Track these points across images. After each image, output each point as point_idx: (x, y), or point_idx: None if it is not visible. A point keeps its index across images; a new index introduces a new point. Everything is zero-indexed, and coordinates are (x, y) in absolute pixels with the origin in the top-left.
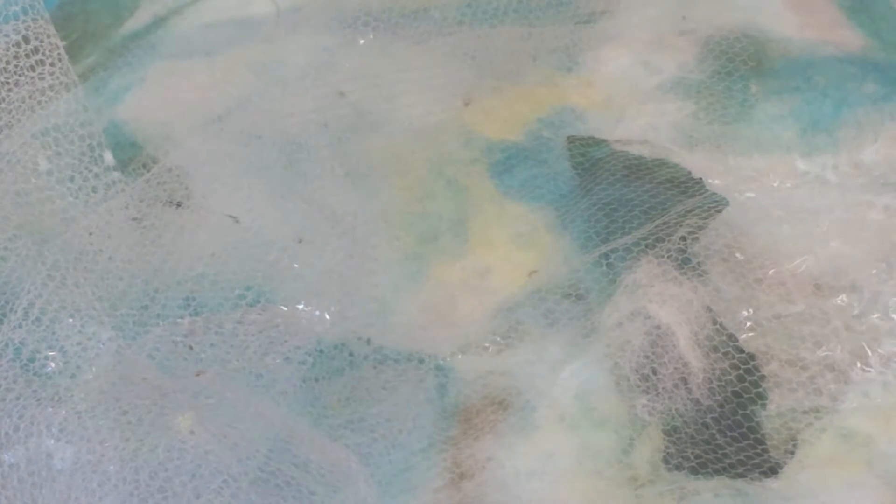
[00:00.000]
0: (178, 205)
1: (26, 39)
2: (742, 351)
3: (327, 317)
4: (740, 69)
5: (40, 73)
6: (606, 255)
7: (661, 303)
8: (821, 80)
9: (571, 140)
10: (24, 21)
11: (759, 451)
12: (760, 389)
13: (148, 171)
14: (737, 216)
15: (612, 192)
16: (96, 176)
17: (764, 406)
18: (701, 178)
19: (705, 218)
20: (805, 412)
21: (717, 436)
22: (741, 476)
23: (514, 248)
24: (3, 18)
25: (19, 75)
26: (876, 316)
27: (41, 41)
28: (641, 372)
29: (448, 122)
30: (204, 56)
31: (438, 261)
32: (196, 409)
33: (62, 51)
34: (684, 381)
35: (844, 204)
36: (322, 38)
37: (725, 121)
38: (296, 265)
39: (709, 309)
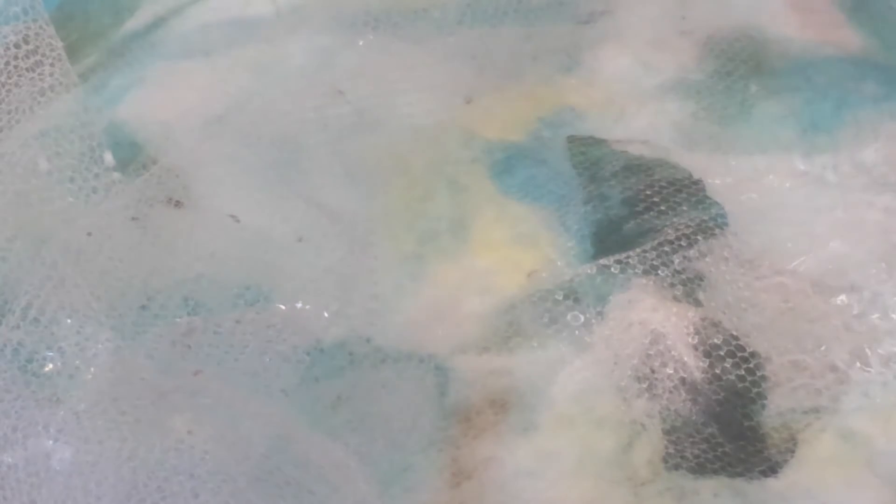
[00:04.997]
0: (178, 204)
1: (26, 40)
2: (742, 351)
3: (326, 315)
4: (740, 69)
5: (40, 74)
6: (605, 256)
7: (661, 303)
8: (821, 80)
9: (571, 140)
10: (24, 22)
11: (758, 450)
12: (760, 389)
13: (148, 171)
14: (737, 216)
15: (612, 192)
16: (96, 176)
17: (764, 406)
18: (701, 179)
19: (708, 238)
20: (805, 412)
21: (717, 436)
22: (741, 476)
23: (514, 248)
24: (4, 19)
25: (19, 76)
26: (876, 316)
27: (41, 42)
28: (641, 372)
29: (448, 121)
30: (204, 56)
31: (438, 261)
32: (194, 408)
33: (62, 51)
34: (684, 381)
35: (844, 204)
36: (322, 38)
37: (725, 121)
38: (295, 264)
39: (709, 309)
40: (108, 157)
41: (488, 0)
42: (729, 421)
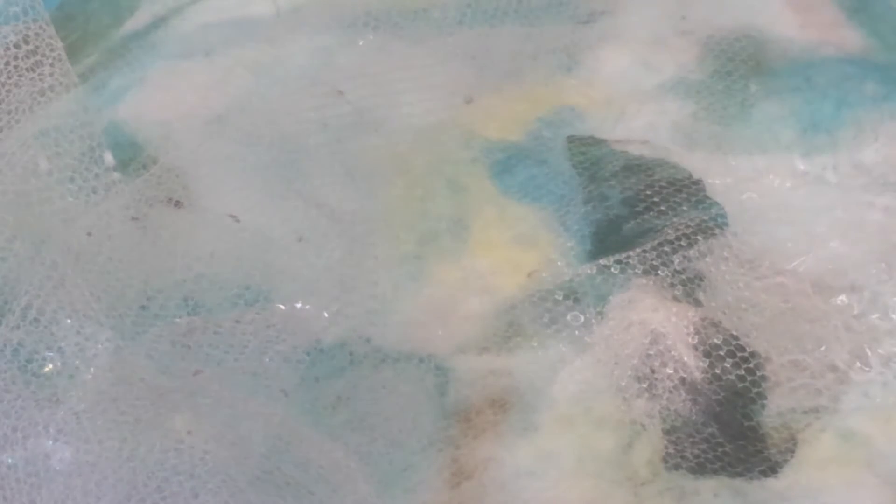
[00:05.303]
0: (178, 204)
1: (26, 40)
2: (742, 351)
3: (326, 315)
4: (740, 69)
5: (40, 74)
6: (605, 256)
7: (661, 303)
8: (821, 80)
9: (571, 140)
10: (24, 22)
11: (758, 450)
12: (760, 389)
13: (148, 171)
14: (737, 216)
15: (612, 192)
16: (96, 176)
17: (764, 406)
18: (701, 179)
19: (708, 238)
20: (805, 412)
21: (717, 436)
22: (741, 476)
23: (514, 248)
24: (4, 19)
25: (19, 76)
26: (876, 316)
27: (41, 42)
28: (641, 372)
29: (448, 121)
30: (204, 56)
31: (438, 261)
32: (194, 408)
33: (62, 51)
34: (684, 381)
35: (844, 204)
36: (322, 38)
37: (725, 121)
38: (295, 264)
39: (709, 309)
40: (108, 157)
41: (488, 0)
42: (729, 421)
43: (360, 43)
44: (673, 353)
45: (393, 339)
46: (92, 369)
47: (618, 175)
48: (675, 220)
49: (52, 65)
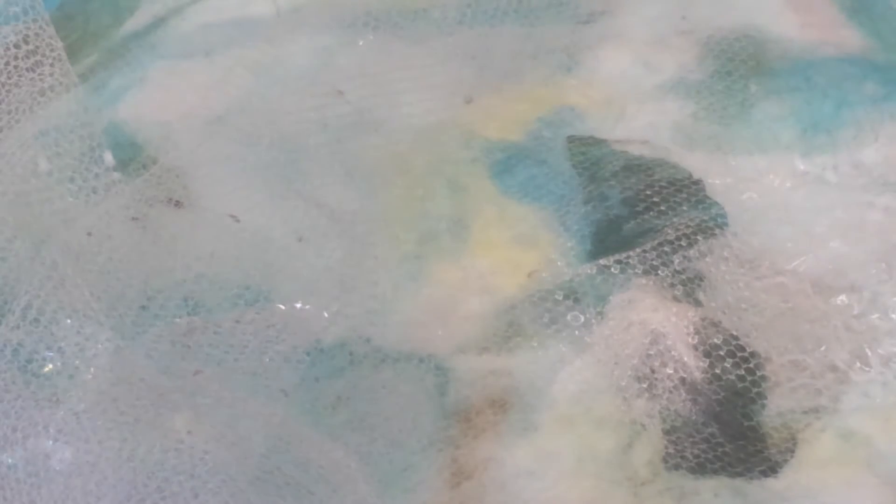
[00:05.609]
0: (178, 204)
1: (26, 40)
2: (742, 351)
3: (326, 315)
4: (740, 69)
5: (40, 74)
6: (605, 256)
7: (661, 303)
8: (821, 80)
9: (571, 140)
10: (24, 22)
11: (758, 450)
12: (760, 389)
13: (148, 171)
14: (737, 216)
15: (612, 193)
16: (96, 176)
17: (764, 406)
18: (700, 179)
19: (708, 238)
20: (805, 412)
21: (717, 436)
22: (741, 476)
23: (514, 248)
24: (4, 19)
25: (19, 76)
26: (876, 316)
27: (41, 42)
28: (641, 372)
29: (448, 121)
30: (204, 56)
31: (438, 261)
32: (194, 408)
33: (62, 51)
34: (684, 381)
35: (844, 204)
36: (322, 38)
37: (725, 121)
38: (295, 264)
39: (709, 309)
40: (108, 157)
41: (488, 0)
42: (729, 421)
43: (360, 43)
44: (673, 353)
45: (393, 339)
46: (92, 369)
47: (618, 175)
48: (675, 220)
49: (52, 65)
